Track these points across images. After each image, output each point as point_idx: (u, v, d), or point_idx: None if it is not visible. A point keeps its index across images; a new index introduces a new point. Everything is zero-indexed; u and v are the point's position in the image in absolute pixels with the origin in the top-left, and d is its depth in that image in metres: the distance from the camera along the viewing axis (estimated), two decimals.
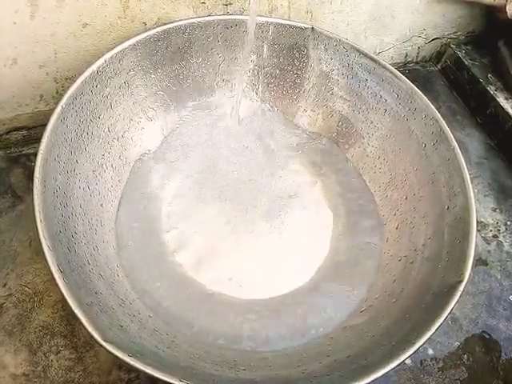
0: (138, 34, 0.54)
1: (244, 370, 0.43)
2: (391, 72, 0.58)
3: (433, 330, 0.40)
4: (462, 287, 0.43)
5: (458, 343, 0.55)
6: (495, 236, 0.64)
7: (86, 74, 0.50)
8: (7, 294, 0.51)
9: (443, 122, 0.54)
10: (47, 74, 0.58)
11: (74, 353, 0.48)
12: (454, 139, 0.53)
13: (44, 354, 0.47)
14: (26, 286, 0.51)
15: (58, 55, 0.57)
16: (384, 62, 0.58)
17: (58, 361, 0.47)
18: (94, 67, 0.51)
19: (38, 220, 0.40)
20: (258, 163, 0.62)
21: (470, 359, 0.54)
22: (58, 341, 0.48)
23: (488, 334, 0.56)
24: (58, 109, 0.47)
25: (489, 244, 0.63)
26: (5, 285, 0.51)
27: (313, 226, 0.58)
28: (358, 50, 0.59)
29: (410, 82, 0.57)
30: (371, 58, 0.59)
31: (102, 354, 0.48)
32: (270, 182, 0.61)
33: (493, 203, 0.68)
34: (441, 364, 0.53)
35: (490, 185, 0.69)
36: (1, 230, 0.54)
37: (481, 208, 0.67)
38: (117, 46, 0.53)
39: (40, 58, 0.56)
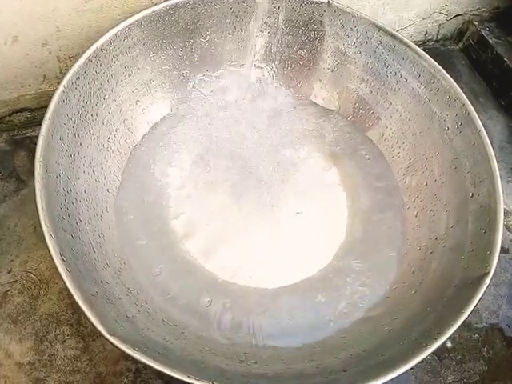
0: (144, 9, 0.52)
1: (255, 364, 0.41)
2: (413, 50, 0.55)
3: (457, 324, 0.38)
4: (488, 280, 0.41)
5: (477, 336, 0.53)
6: None
7: (89, 52, 0.48)
8: (12, 280, 0.49)
9: (468, 103, 0.51)
10: (50, 52, 0.56)
11: (80, 342, 0.47)
12: (480, 122, 0.50)
13: (50, 342, 0.47)
14: (30, 272, 0.50)
15: (61, 32, 0.54)
16: (405, 39, 0.55)
17: (64, 350, 0.46)
18: (97, 45, 0.48)
19: (39, 206, 0.38)
20: (271, 145, 0.59)
21: (490, 352, 0.52)
22: (64, 329, 0.47)
23: (509, 327, 0.54)
24: (60, 89, 0.44)
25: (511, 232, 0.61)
26: (9, 271, 0.50)
27: (328, 212, 0.56)
28: (377, 27, 0.56)
29: (432, 60, 0.54)
30: (391, 35, 0.55)
31: (109, 344, 0.46)
32: (283, 165, 0.58)
33: None
34: (459, 357, 0.51)
35: None
36: (5, 215, 0.53)
37: (503, 195, 0.63)
38: (122, 22, 0.50)
39: (42, 36, 0.54)
